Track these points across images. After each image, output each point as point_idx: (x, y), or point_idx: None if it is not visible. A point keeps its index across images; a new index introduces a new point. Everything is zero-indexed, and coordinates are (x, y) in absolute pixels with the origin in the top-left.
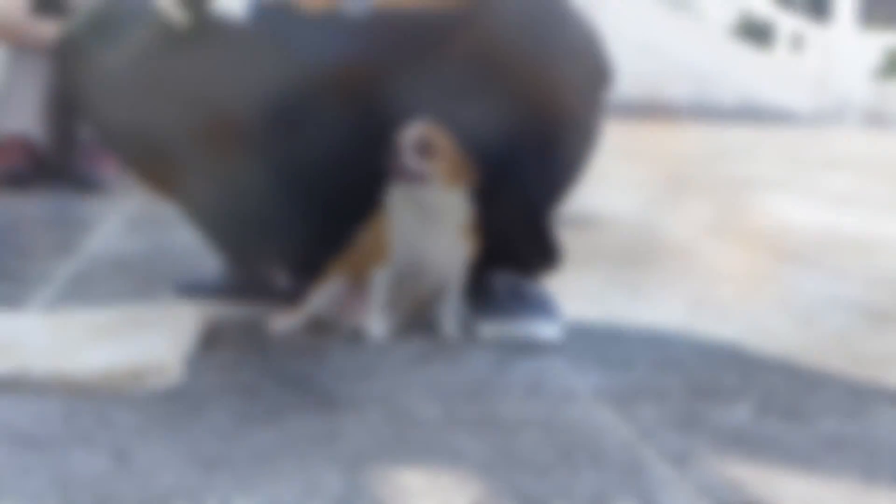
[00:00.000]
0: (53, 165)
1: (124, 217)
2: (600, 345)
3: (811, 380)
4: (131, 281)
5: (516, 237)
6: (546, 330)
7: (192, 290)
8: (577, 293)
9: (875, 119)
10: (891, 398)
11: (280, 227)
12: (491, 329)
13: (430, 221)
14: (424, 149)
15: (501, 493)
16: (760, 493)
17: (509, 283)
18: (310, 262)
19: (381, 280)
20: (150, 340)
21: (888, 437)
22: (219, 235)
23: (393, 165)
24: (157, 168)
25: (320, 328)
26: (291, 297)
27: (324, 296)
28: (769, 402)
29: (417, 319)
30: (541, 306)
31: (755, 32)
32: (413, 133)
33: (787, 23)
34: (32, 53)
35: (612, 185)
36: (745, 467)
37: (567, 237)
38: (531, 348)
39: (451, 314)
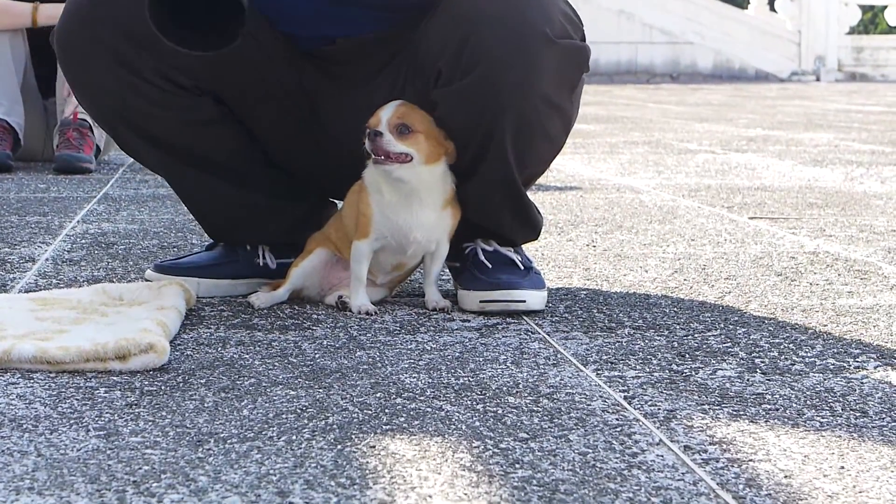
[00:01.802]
0: (33, 147)
1: (106, 198)
2: (585, 308)
3: (795, 337)
4: (114, 261)
5: (497, 211)
6: (531, 297)
7: (174, 269)
8: (560, 258)
9: (853, 77)
10: (875, 353)
11: (263, 204)
12: (476, 298)
13: (410, 195)
14: (404, 130)
15: (490, 458)
16: (747, 451)
17: (492, 252)
18: (292, 240)
19: (360, 253)
20: (136, 319)
21: (873, 392)
22: (202, 211)
23: (374, 149)
24: (143, 145)
25: (303, 302)
26: (274, 274)
27: (306, 270)
28: (754, 360)
29: (401, 290)
30: (524, 274)
31: None
32: (391, 114)
33: None
34: (8, 36)
35: (593, 150)
36: (732, 426)
37: (550, 202)
38: (516, 315)
39: (435, 284)
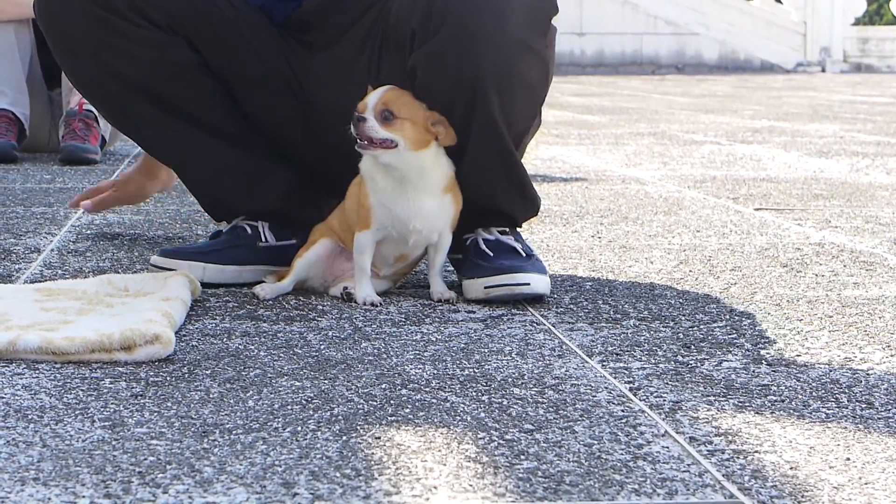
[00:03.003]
0: (39, 138)
1: None
2: (590, 300)
3: (801, 328)
4: (120, 252)
5: (492, 180)
6: (535, 281)
7: (179, 253)
8: (566, 249)
9: (858, 68)
10: (881, 344)
11: (252, 166)
12: (480, 285)
13: (403, 182)
14: (388, 116)
15: (495, 449)
16: (753, 443)
17: (493, 241)
18: (294, 219)
19: (363, 244)
20: (142, 310)
21: (879, 384)
22: (194, 176)
23: (358, 134)
24: (128, 96)
25: (308, 293)
26: (274, 256)
27: (310, 261)
28: (759, 351)
29: (406, 281)
30: (526, 260)
31: None
32: (377, 100)
33: None
34: (13, 27)
35: (598, 141)
36: (737, 417)
37: (556, 193)
38: (521, 305)
39: (439, 276)
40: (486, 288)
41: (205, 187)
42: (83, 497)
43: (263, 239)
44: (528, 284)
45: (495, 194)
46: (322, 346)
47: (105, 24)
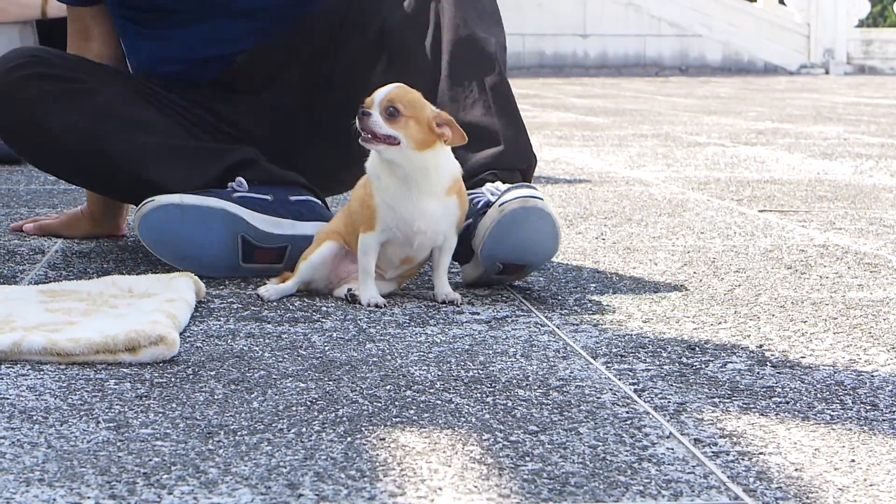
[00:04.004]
0: None
1: None
2: (594, 301)
3: (805, 330)
4: (124, 253)
5: (468, 85)
6: (547, 202)
7: (156, 197)
8: (570, 250)
9: (862, 70)
10: (885, 346)
11: (231, 150)
12: (495, 208)
13: (407, 181)
14: (393, 112)
15: (500, 451)
16: (758, 444)
17: (500, 190)
18: (271, 177)
19: (367, 246)
20: (146, 311)
21: (884, 385)
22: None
23: (362, 127)
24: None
25: (313, 294)
26: (250, 205)
27: (314, 263)
28: (764, 353)
29: (410, 282)
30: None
31: None
32: (383, 97)
33: None
34: (17, 28)
35: (602, 143)
36: (742, 419)
37: (560, 195)
38: (525, 306)
39: (444, 277)
40: (500, 206)
41: (177, 178)
42: (88, 498)
43: (239, 184)
44: (542, 199)
45: (471, 98)
46: (326, 348)
47: (67, 78)
